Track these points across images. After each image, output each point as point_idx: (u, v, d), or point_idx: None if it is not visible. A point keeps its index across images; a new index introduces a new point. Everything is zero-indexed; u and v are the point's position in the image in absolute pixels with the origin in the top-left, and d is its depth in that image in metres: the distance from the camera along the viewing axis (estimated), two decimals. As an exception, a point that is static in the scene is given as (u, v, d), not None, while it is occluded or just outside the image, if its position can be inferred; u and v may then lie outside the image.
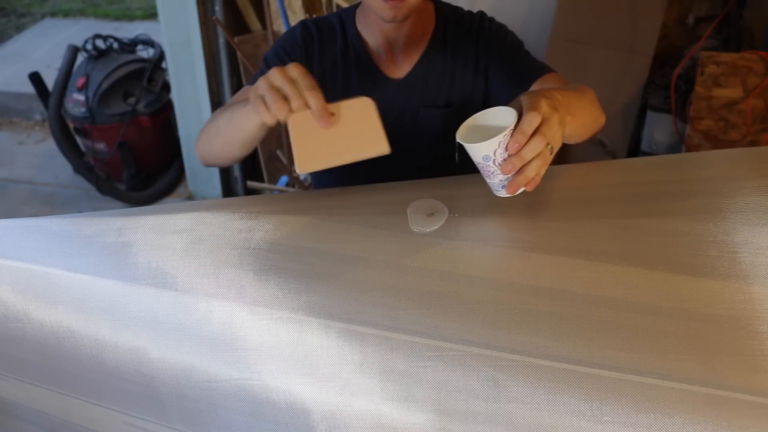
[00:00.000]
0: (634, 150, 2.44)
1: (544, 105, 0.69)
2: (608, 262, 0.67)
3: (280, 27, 2.53)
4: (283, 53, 1.06)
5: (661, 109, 2.31)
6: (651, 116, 2.35)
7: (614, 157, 2.36)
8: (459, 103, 1.09)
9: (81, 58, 2.85)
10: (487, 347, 0.61)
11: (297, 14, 2.51)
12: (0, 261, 0.80)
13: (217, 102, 2.60)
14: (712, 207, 0.73)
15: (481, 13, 1.10)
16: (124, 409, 0.80)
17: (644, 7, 2.22)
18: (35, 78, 2.82)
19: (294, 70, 0.76)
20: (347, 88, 1.07)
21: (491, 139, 0.68)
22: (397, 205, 0.80)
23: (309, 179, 2.32)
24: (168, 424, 0.77)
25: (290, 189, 2.46)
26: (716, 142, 2.14)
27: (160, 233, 0.78)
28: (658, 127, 2.34)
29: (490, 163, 0.70)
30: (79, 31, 4.61)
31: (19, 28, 4.88)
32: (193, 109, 2.63)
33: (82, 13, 5.12)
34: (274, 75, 0.76)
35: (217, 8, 2.44)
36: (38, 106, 3.38)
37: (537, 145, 0.68)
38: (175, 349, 0.71)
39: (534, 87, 0.99)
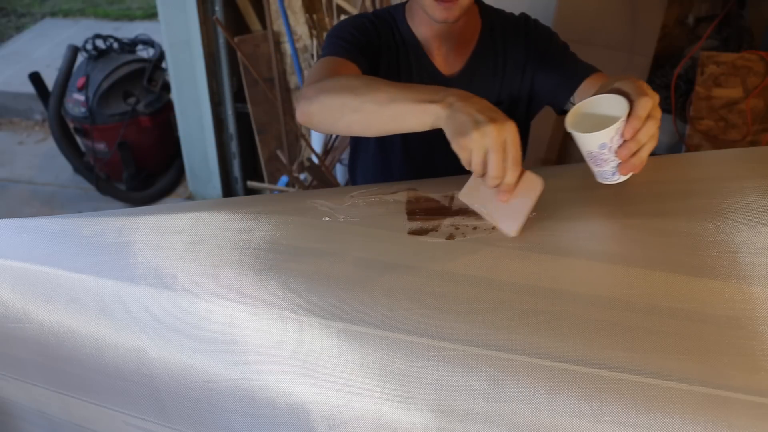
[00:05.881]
0: (635, 150, 2.44)
1: (649, 89, 0.72)
2: (608, 262, 0.67)
3: (280, 27, 2.52)
4: (356, 32, 1.03)
5: (661, 109, 2.31)
6: (651, 116, 2.34)
7: (614, 157, 2.36)
8: (508, 101, 1.10)
9: (81, 58, 2.86)
10: (487, 347, 0.60)
11: (297, 14, 2.51)
12: (0, 261, 0.80)
13: (217, 102, 2.60)
14: (712, 207, 0.73)
15: (526, 15, 1.12)
16: (124, 409, 0.80)
17: (644, 7, 2.22)
18: (35, 78, 2.82)
19: (510, 133, 0.68)
20: (410, 82, 1.07)
21: (609, 127, 0.70)
22: (396, 205, 0.80)
23: (309, 179, 2.32)
24: (168, 424, 0.77)
25: (290, 189, 2.46)
26: (716, 142, 2.13)
27: (160, 233, 0.78)
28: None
29: (606, 150, 0.72)
30: (79, 31, 4.62)
31: (19, 28, 4.88)
32: (193, 109, 2.63)
33: (82, 13, 5.12)
34: (490, 134, 0.67)
35: (217, 8, 2.44)
36: (38, 106, 3.39)
37: (651, 129, 0.71)
38: (175, 349, 0.71)
39: (583, 86, 1.00)
